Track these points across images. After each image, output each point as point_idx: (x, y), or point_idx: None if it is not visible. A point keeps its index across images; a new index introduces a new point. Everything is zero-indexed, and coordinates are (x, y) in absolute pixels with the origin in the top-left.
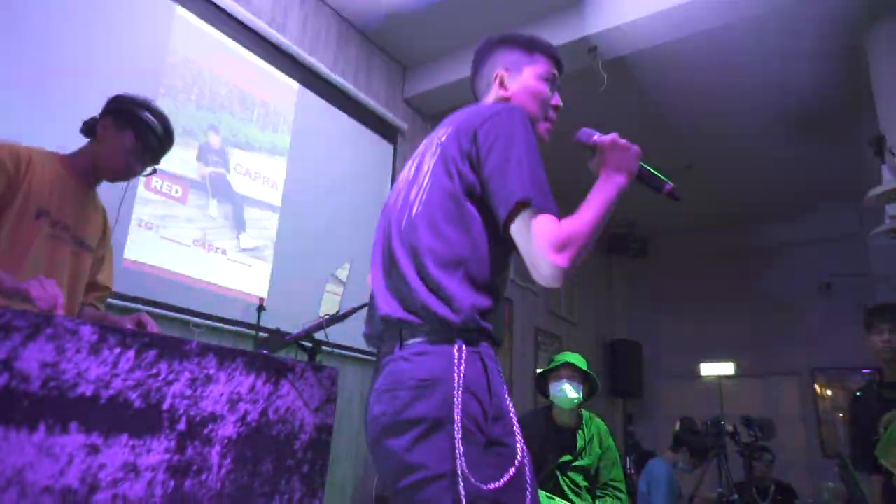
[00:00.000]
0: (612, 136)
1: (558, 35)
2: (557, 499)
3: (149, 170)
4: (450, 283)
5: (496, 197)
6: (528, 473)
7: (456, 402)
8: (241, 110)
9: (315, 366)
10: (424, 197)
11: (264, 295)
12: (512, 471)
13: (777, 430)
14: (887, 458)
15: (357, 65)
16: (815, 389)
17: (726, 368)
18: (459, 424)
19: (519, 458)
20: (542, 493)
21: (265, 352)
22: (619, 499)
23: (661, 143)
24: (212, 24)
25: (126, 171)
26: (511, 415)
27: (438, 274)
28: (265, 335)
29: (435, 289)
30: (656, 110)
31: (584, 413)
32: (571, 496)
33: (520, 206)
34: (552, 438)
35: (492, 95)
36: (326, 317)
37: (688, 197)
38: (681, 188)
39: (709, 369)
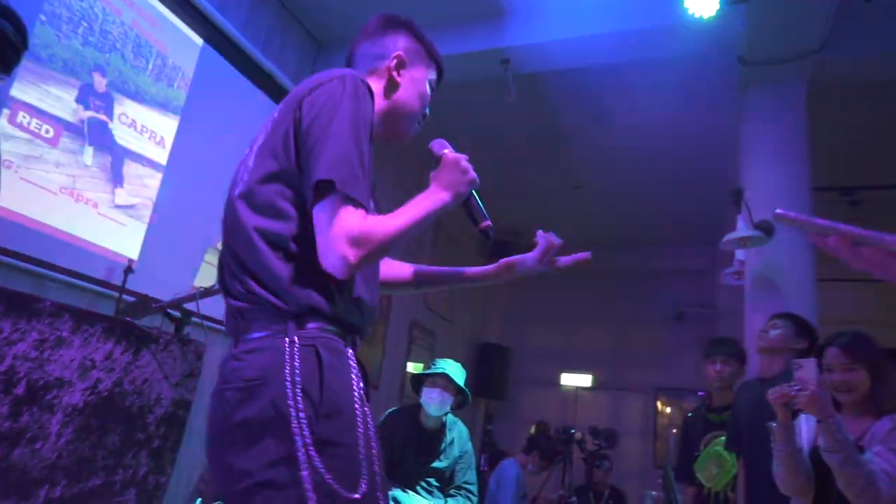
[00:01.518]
0: (459, 155)
1: (475, 41)
2: (412, 493)
3: None
4: (276, 265)
5: (307, 174)
6: (369, 467)
7: (289, 402)
8: (134, 57)
9: (181, 339)
10: (247, 177)
11: (134, 256)
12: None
13: (620, 441)
14: (702, 473)
15: (270, 33)
16: (656, 406)
17: (584, 380)
18: (296, 426)
19: (361, 455)
20: (398, 492)
21: (129, 319)
22: (470, 500)
23: (555, 160)
24: None
25: None
26: (352, 410)
27: (264, 256)
28: (131, 299)
29: (262, 272)
30: (556, 130)
31: (449, 416)
32: (424, 494)
33: (321, 186)
34: (415, 439)
35: (382, 68)
36: (201, 288)
37: (572, 215)
38: (567, 206)
39: (568, 379)
